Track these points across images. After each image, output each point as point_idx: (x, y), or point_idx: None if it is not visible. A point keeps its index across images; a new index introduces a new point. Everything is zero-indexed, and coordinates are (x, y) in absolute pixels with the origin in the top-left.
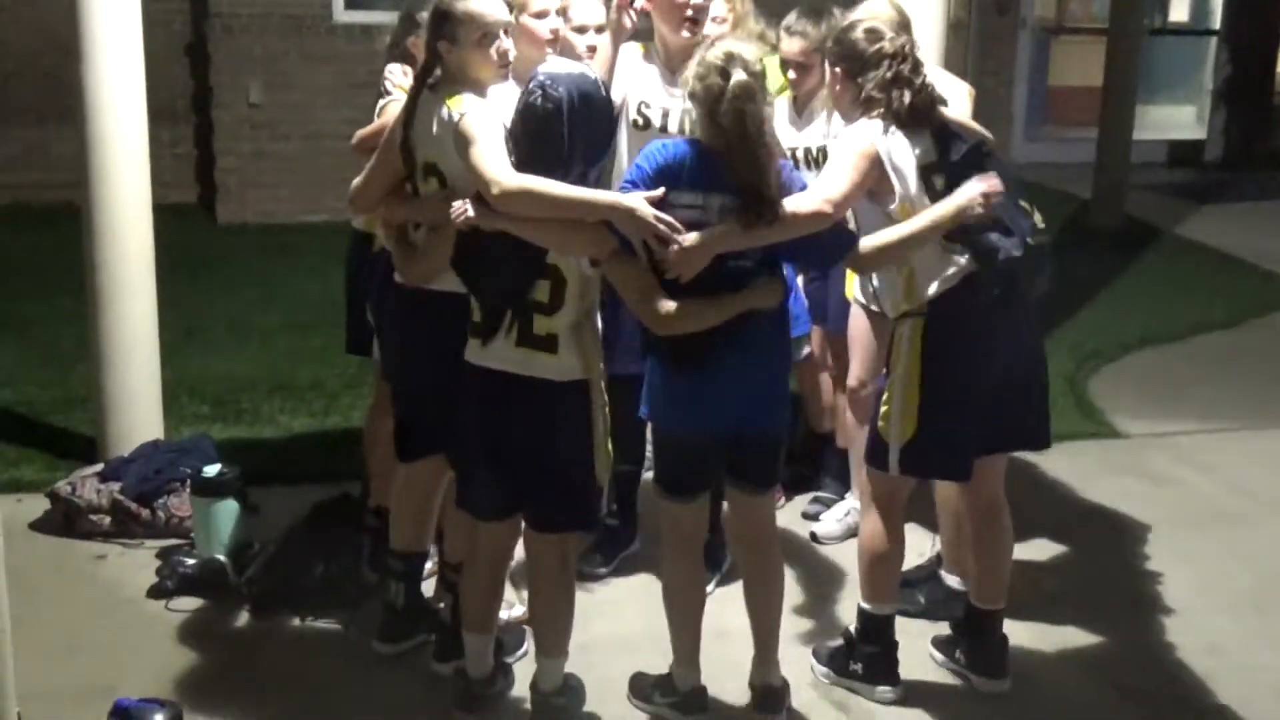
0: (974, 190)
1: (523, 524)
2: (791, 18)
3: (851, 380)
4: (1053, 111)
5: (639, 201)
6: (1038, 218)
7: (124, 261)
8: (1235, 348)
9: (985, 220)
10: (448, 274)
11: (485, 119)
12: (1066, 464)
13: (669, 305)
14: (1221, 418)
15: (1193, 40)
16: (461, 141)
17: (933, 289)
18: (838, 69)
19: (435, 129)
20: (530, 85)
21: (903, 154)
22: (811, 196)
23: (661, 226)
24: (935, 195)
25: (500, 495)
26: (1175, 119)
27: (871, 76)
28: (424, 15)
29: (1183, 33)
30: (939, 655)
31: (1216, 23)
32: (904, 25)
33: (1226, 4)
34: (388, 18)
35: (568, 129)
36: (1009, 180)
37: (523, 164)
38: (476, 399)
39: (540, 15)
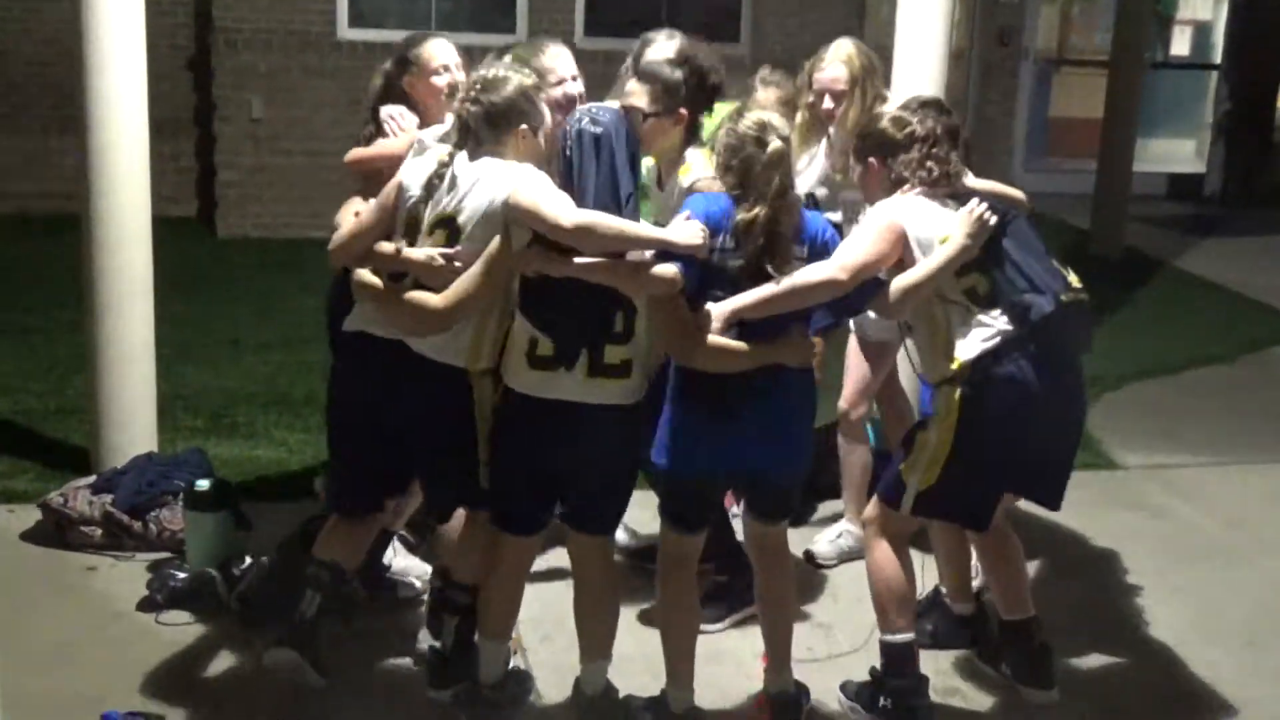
0: (972, 213)
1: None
2: (765, 69)
3: (842, 403)
4: (1053, 142)
5: (699, 235)
6: (1072, 278)
7: (123, 273)
8: (1232, 381)
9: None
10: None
11: (541, 175)
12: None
13: (714, 339)
14: (1218, 451)
15: (1193, 74)
16: (520, 190)
17: (973, 351)
18: (871, 160)
19: (466, 184)
20: (576, 117)
21: (927, 225)
22: (828, 264)
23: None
24: (961, 268)
25: (543, 513)
26: (1175, 152)
27: (903, 159)
28: (420, 54)
29: (1184, 67)
30: (987, 669)
31: (1218, 57)
32: (870, 69)
33: (1228, 39)
34: (392, 35)
35: (616, 150)
36: (1035, 239)
37: (582, 192)
38: (530, 428)
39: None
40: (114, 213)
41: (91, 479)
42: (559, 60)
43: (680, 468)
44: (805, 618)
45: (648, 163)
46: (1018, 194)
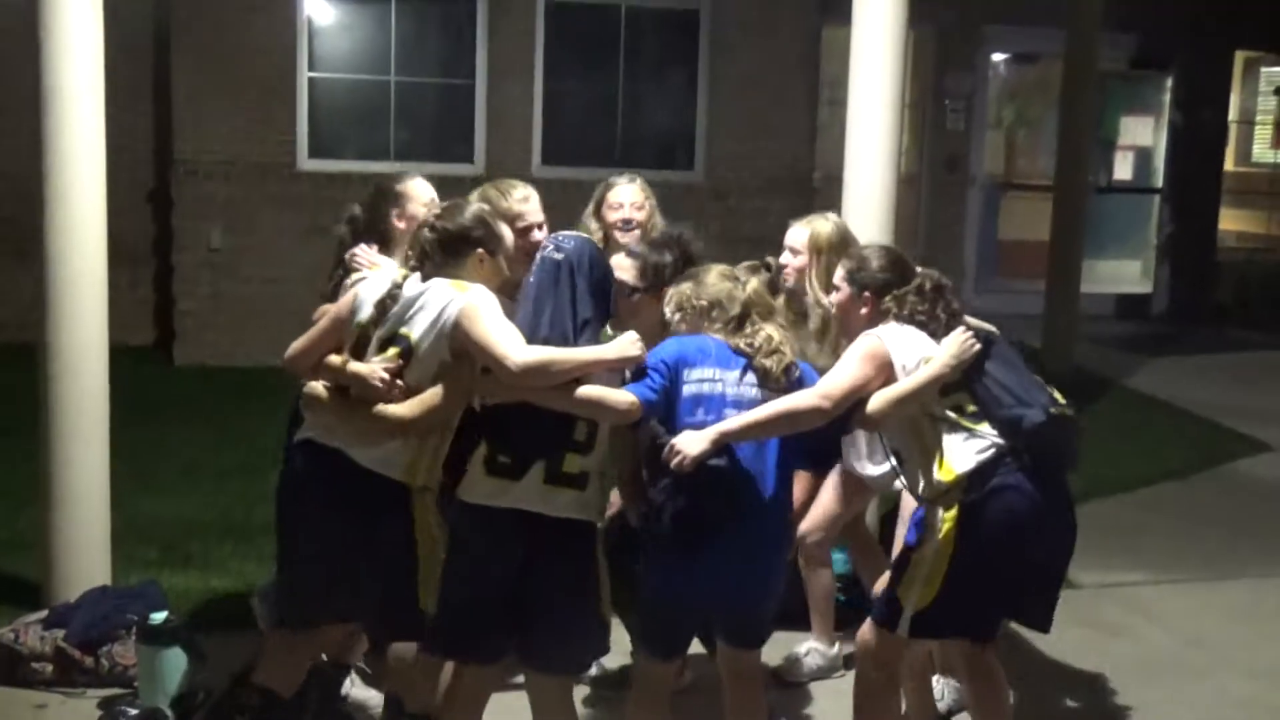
0: (956, 340)
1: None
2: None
3: (801, 527)
4: (1003, 264)
5: (635, 347)
6: (1057, 394)
7: (78, 403)
8: (1186, 498)
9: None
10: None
11: (493, 302)
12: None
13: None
14: (1173, 569)
15: (1137, 198)
16: (468, 320)
17: (969, 463)
18: (866, 292)
19: (416, 304)
20: (544, 249)
21: (911, 350)
22: (813, 392)
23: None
24: (946, 387)
25: (502, 638)
26: (1122, 273)
27: (894, 294)
28: (406, 188)
29: (1127, 190)
30: None
31: (1159, 181)
32: (845, 242)
33: (1168, 164)
34: (351, 166)
35: (577, 277)
36: (1018, 361)
37: (538, 315)
38: (484, 540)
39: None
40: (71, 343)
41: (43, 613)
42: (529, 205)
43: (656, 590)
44: None
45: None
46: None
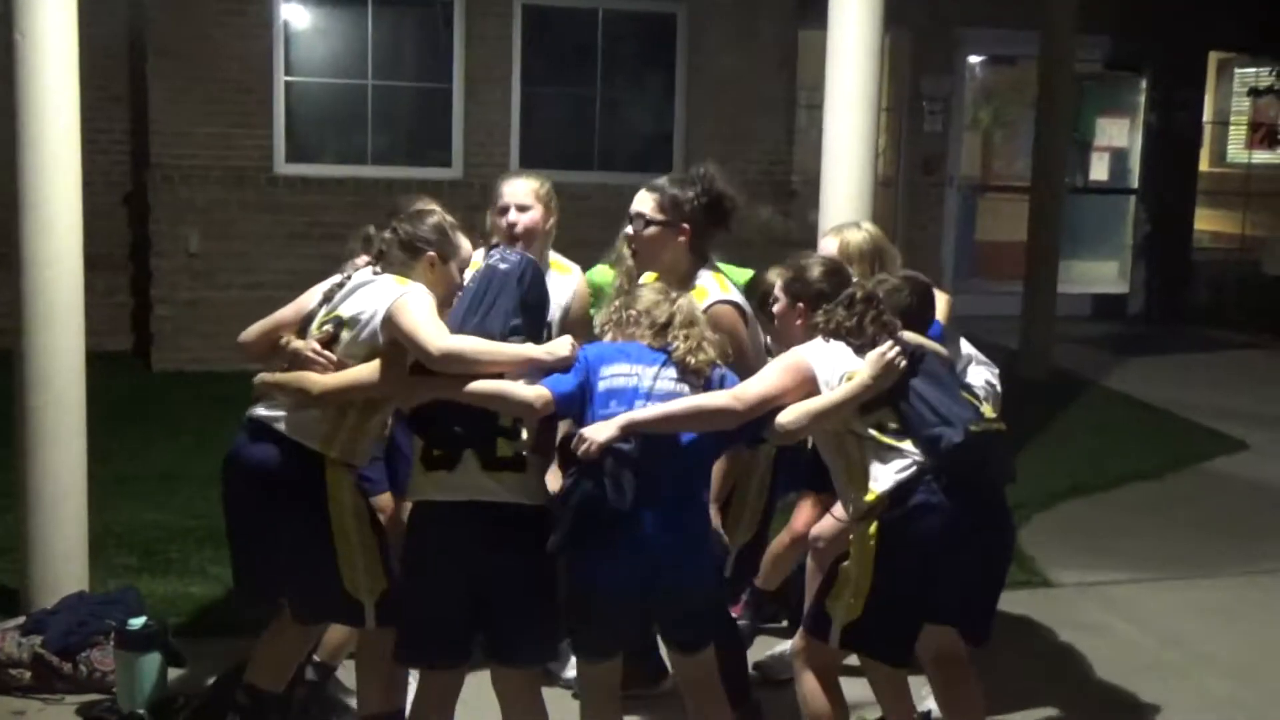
0: (882, 355)
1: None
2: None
3: (812, 532)
4: (980, 265)
5: (567, 347)
6: (986, 409)
7: (55, 409)
8: (1163, 498)
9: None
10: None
11: (426, 298)
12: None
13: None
14: (1150, 568)
15: (1113, 199)
16: (397, 311)
17: (888, 483)
18: (800, 303)
19: (354, 289)
20: (490, 258)
21: (835, 366)
22: (726, 393)
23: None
24: (868, 406)
25: (463, 639)
26: (1098, 273)
27: (824, 308)
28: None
29: (1103, 191)
30: None
31: (1135, 182)
32: (878, 250)
33: (1143, 164)
34: (328, 170)
35: (515, 287)
36: (947, 376)
37: (470, 314)
38: (435, 537)
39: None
40: (47, 349)
41: (20, 620)
42: (508, 187)
43: (574, 586)
44: None
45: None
46: (939, 349)
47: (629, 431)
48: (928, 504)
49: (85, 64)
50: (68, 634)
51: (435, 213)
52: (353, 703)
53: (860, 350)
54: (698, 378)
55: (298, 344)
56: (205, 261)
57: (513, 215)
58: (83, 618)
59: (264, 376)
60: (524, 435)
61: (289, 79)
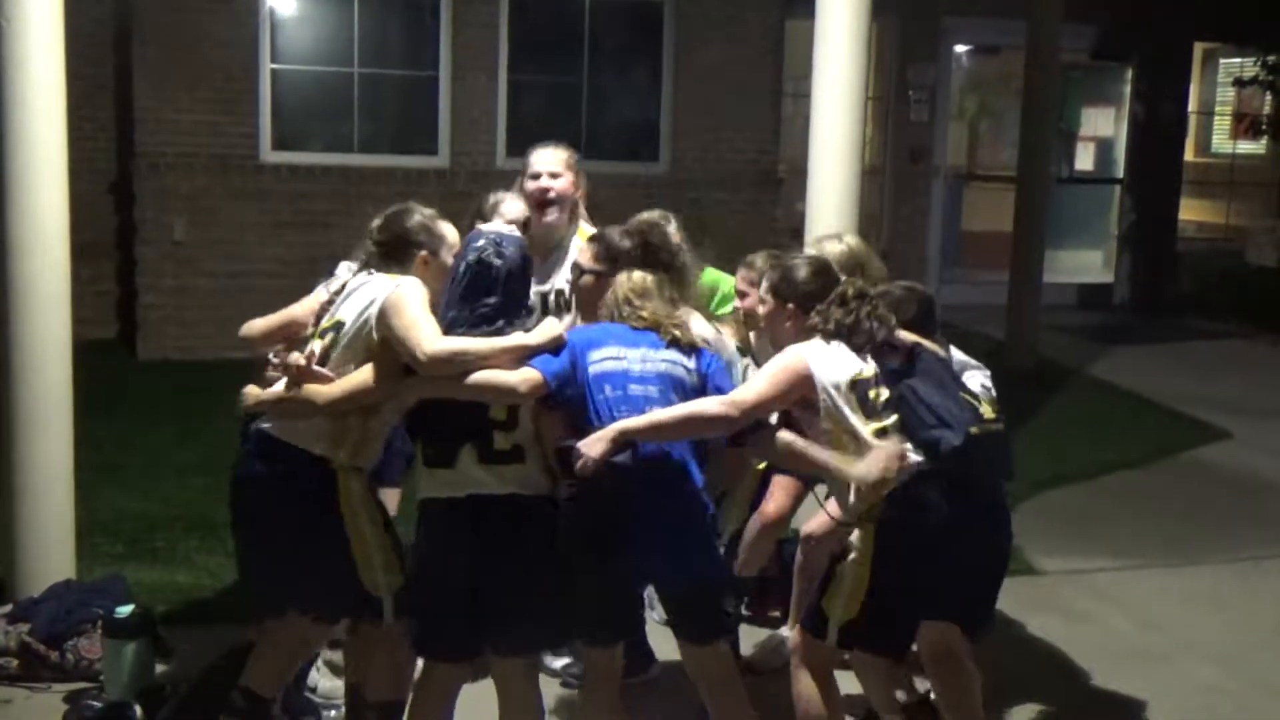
0: (881, 459)
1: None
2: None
3: (805, 530)
4: (966, 255)
5: (556, 326)
6: (986, 409)
7: (41, 398)
8: (1146, 486)
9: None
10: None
11: (418, 295)
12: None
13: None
14: (1134, 555)
15: (1098, 188)
16: (391, 309)
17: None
18: (790, 304)
19: (355, 294)
20: (480, 242)
21: (836, 370)
22: (723, 400)
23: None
24: (870, 409)
25: (471, 634)
26: (1084, 263)
27: (818, 309)
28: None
29: (1088, 181)
30: None
31: (1120, 172)
32: (856, 263)
33: (1128, 154)
34: (314, 158)
35: (511, 284)
36: (946, 377)
37: (470, 309)
38: (440, 533)
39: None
40: (33, 337)
41: (7, 608)
42: (535, 155)
43: (583, 574)
44: None
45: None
46: (937, 348)
47: (621, 441)
48: (924, 504)
49: (71, 52)
50: (54, 622)
51: (412, 211)
52: (337, 693)
53: (860, 350)
54: (688, 354)
55: (293, 358)
56: (191, 249)
57: (545, 181)
58: (69, 606)
59: (256, 393)
60: (520, 426)
61: (275, 67)
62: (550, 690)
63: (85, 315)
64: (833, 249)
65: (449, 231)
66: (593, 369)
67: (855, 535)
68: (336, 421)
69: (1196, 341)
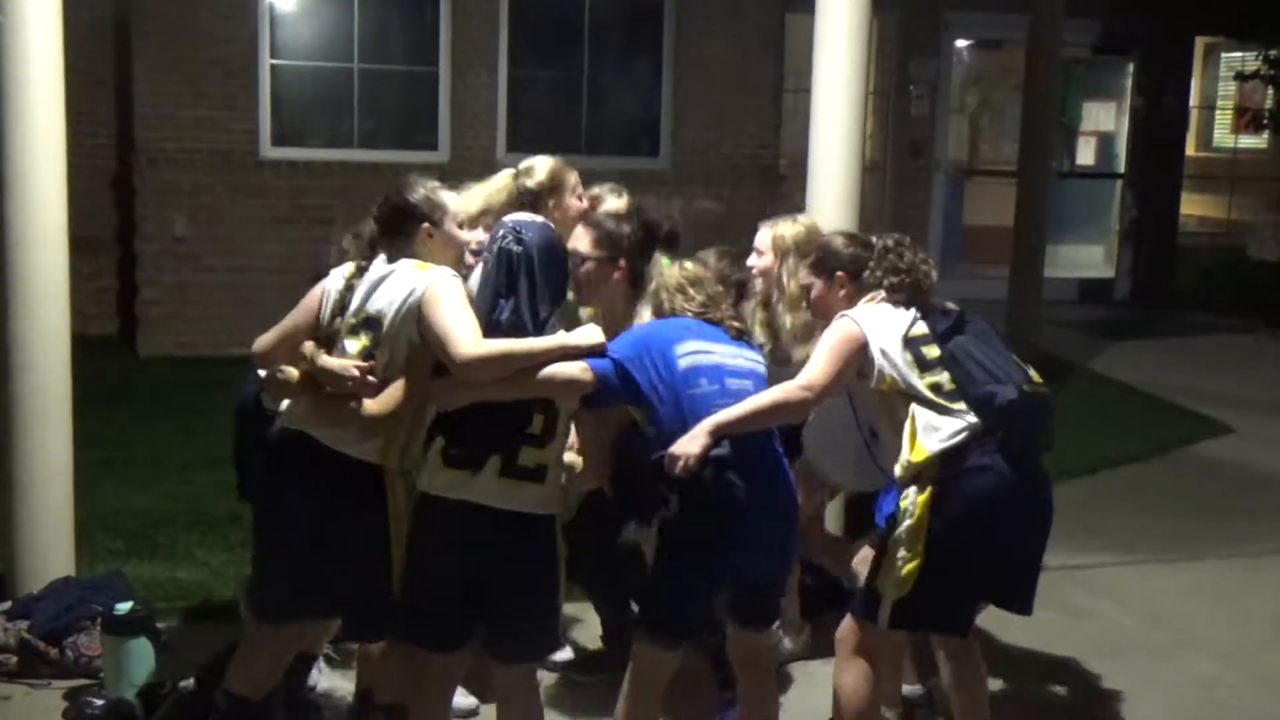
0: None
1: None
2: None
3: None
4: (967, 249)
5: (596, 334)
6: (1032, 372)
7: (41, 394)
8: (1148, 482)
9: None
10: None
11: (454, 286)
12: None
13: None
14: (1135, 550)
15: (1099, 183)
16: (430, 306)
17: (940, 444)
18: (839, 273)
19: (382, 282)
20: (500, 233)
21: (887, 329)
22: (796, 383)
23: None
24: (925, 364)
25: (461, 628)
26: (1085, 258)
27: (870, 269)
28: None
29: (1090, 176)
30: None
31: (1121, 167)
32: (811, 244)
33: (1129, 149)
34: (314, 154)
35: (539, 269)
36: (995, 338)
37: (495, 313)
38: (440, 532)
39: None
40: (33, 333)
41: (7, 605)
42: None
43: (674, 578)
44: None
45: (584, 314)
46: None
47: (717, 435)
48: (981, 467)
49: (70, 47)
50: (54, 619)
51: (414, 182)
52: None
53: (913, 300)
54: (750, 346)
55: (331, 363)
56: (191, 245)
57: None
58: (69, 602)
59: (290, 375)
60: (552, 444)
61: (275, 62)
62: (546, 685)
63: (85, 311)
64: (788, 230)
65: (450, 199)
66: (682, 363)
67: (908, 497)
68: (390, 429)
69: (1198, 336)
